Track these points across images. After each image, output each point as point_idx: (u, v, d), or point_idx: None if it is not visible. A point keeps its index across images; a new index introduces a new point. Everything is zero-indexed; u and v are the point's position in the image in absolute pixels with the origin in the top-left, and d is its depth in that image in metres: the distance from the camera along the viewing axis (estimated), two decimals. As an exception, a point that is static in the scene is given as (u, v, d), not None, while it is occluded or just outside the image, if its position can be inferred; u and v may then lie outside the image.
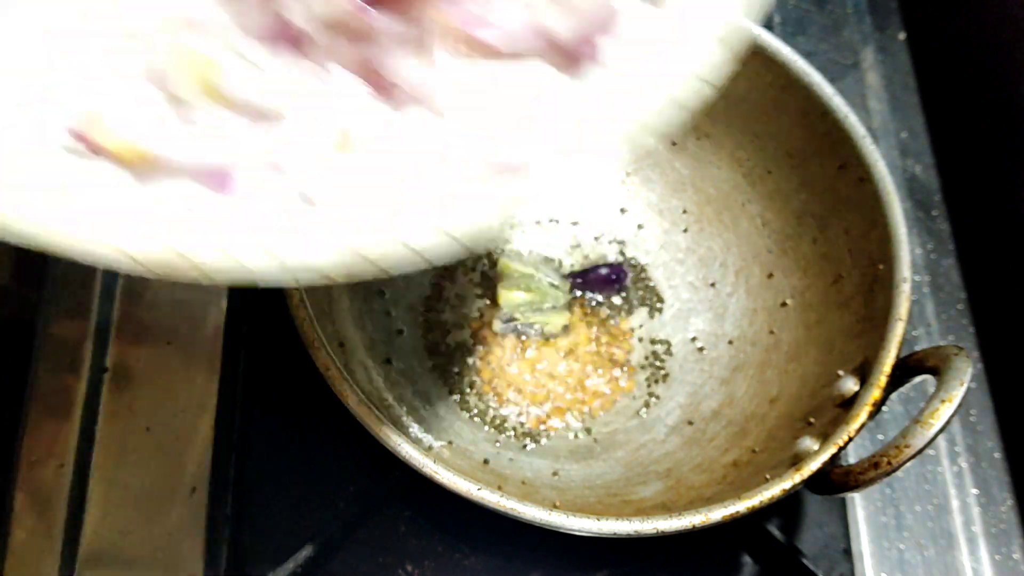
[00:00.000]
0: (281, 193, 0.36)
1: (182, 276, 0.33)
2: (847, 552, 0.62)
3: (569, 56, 0.38)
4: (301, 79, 0.37)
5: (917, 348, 0.62)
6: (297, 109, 0.37)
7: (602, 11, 0.37)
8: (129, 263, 0.32)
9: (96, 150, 0.34)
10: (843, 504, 0.64)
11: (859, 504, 0.66)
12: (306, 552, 0.58)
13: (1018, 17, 0.75)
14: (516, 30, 0.38)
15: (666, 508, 0.56)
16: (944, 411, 0.47)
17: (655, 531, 0.47)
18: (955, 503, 0.68)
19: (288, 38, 0.38)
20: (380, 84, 0.38)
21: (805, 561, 0.59)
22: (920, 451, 0.47)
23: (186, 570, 0.57)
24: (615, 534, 0.47)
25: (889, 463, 0.47)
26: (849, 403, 0.53)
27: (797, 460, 0.52)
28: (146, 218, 0.34)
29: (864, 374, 0.53)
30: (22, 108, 0.34)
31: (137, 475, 0.60)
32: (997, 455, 0.69)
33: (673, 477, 0.60)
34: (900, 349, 0.52)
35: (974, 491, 0.68)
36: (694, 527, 0.47)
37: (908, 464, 0.47)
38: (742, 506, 0.48)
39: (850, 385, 0.55)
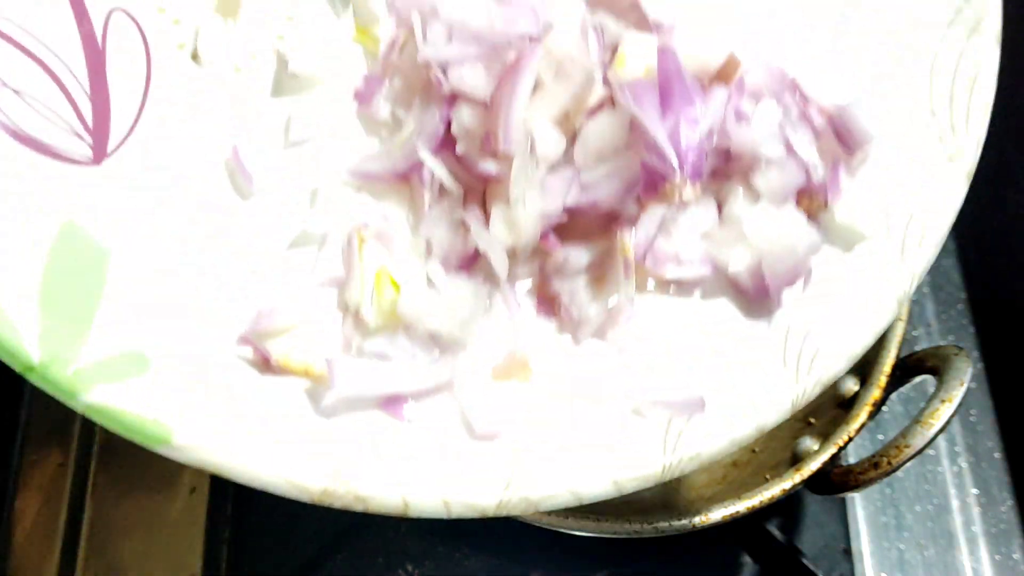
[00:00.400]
0: (451, 423, 0.34)
1: (343, 505, 0.32)
2: (847, 552, 0.62)
3: (750, 298, 0.37)
4: (480, 304, 0.35)
5: (917, 348, 0.62)
6: (474, 335, 0.35)
7: (794, 268, 0.36)
8: (296, 492, 0.31)
9: (266, 362, 0.33)
10: (843, 504, 0.64)
11: (859, 504, 0.66)
12: (306, 552, 0.58)
13: (1018, 19, 0.75)
14: (697, 268, 0.37)
15: (666, 508, 0.56)
16: (944, 411, 0.47)
17: (655, 531, 0.47)
18: (955, 503, 0.67)
19: (473, 263, 0.36)
20: (560, 314, 0.36)
21: (805, 561, 0.59)
22: (920, 451, 0.46)
23: (186, 570, 0.57)
24: (615, 534, 0.47)
25: (889, 463, 0.47)
26: (849, 403, 0.53)
27: (797, 460, 0.52)
28: (314, 445, 0.32)
29: (864, 374, 0.53)
30: (195, 311, 0.33)
31: (137, 475, 0.60)
32: (997, 455, 0.69)
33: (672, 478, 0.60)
34: (900, 349, 0.52)
35: (974, 491, 0.68)
36: (694, 527, 0.47)
37: (908, 464, 0.47)
38: (742, 506, 0.48)
39: (850, 385, 0.55)
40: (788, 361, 0.35)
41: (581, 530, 0.47)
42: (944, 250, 0.78)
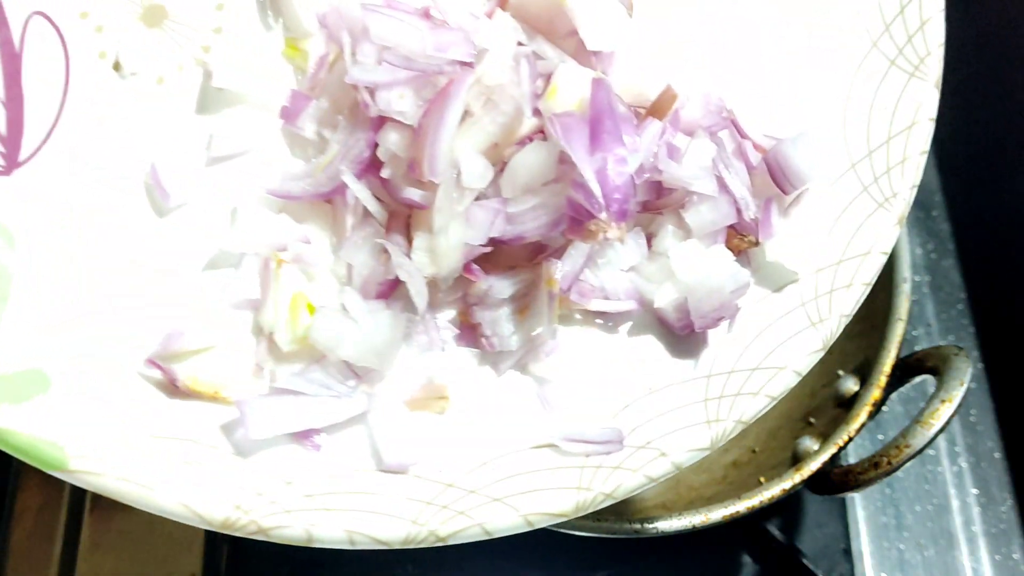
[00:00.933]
0: (362, 454, 0.33)
1: (247, 535, 0.31)
2: (847, 552, 0.62)
3: (676, 334, 0.36)
4: (398, 334, 0.34)
5: (917, 348, 0.62)
6: (391, 364, 0.34)
7: (721, 307, 0.35)
8: (197, 521, 0.30)
9: (173, 385, 0.32)
10: (843, 504, 0.64)
11: (859, 504, 0.66)
12: (306, 552, 0.58)
13: (1017, 19, 0.75)
14: (623, 302, 0.36)
15: (666, 508, 0.56)
16: (944, 411, 0.47)
17: (655, 531, 0.47)
18: (955, 503, 0.67)
19: (393, 290, 0.35)
20: (481, 344, 0.36)
21: (805, 561, 0.59)
22: (920, 451, 0.47)
23: (186, 570, 0.57)
24: (615, 534, 0.47)
25: (889, 463, 0.47)
26: (849, 403, 0.53)
27: (797, 460, 0.53)
28: (217, 473, 0.31)
29: (864, 374, 0.53)
30: (103, 331, 0.32)
31: (137, 475, 0.60)
32: (997, 455, 0.69)
33: (673, 477, 0.60)
34: (900, 349, 0.52)
35: (974, 491, 0.68)
36: (694, 527, 0.47)
37: (908, 464, 0.47)
38: (742, 506, 0.48)
39: (850, 385, 0.55)
40: (710, 399, 0.35)
41: (581, 530, 0.47)
42: (944, 250, 0.78)
